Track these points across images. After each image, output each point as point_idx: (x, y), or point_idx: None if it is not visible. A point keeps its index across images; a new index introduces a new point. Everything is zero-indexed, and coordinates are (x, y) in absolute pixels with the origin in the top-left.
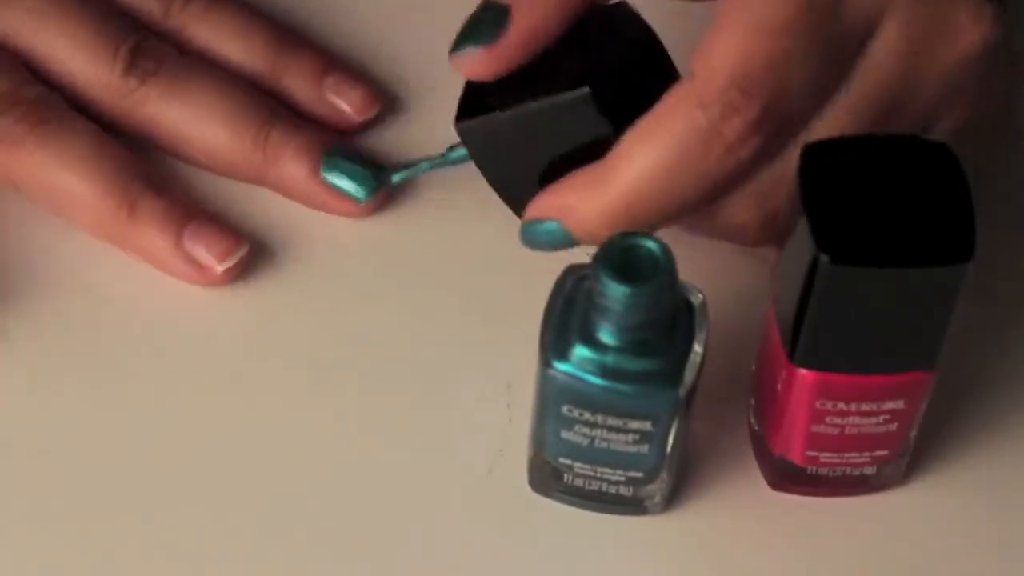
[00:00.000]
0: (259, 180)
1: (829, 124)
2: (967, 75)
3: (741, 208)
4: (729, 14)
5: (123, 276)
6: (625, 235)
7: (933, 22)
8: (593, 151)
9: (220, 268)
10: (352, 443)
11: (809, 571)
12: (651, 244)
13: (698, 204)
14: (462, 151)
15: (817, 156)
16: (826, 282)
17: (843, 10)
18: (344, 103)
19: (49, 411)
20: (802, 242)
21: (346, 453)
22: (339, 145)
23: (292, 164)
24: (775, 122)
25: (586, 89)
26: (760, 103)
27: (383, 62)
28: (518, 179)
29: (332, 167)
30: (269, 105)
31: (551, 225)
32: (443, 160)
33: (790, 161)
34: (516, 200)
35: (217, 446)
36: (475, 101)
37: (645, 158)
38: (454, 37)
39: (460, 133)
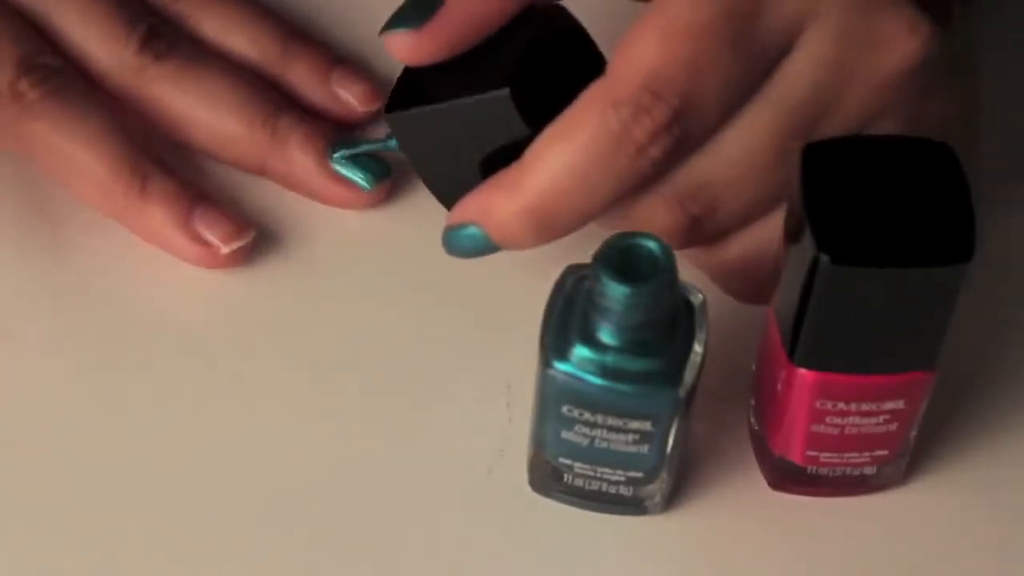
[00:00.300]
0: (263, 167)
1: (747, 129)
2: (900, 88)
3: (660, 210)
4: (649, 14)
5: (123, 276)
6: (625, 235)
7: (863, 32)
8: (519, 152)
9: (225, 249)
10: (352, 443)
11: (809, 571)
12: (651, 244)
13: (613, 204)
14: None
15: (817, 156)
16: (826, 282)
17: (764, 16)
18: (350, 96)
19: (49, 411)
20: (802, 242)
21: (346, 453)
22: (343, 137)
23: (299, 151)
24: (686, 125)
25: (506, 90)
26: (670, 105)
27: (385, 60)
28: (446, 174)
29: (339, 155)
30: (276, 96)
31: (473, 230)
32: (384, 145)
33: (707, 167)
34: (444, 196)
35: (217, 445)
36: (408, 89)
37: (557, 159)
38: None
39: (388, 122)
